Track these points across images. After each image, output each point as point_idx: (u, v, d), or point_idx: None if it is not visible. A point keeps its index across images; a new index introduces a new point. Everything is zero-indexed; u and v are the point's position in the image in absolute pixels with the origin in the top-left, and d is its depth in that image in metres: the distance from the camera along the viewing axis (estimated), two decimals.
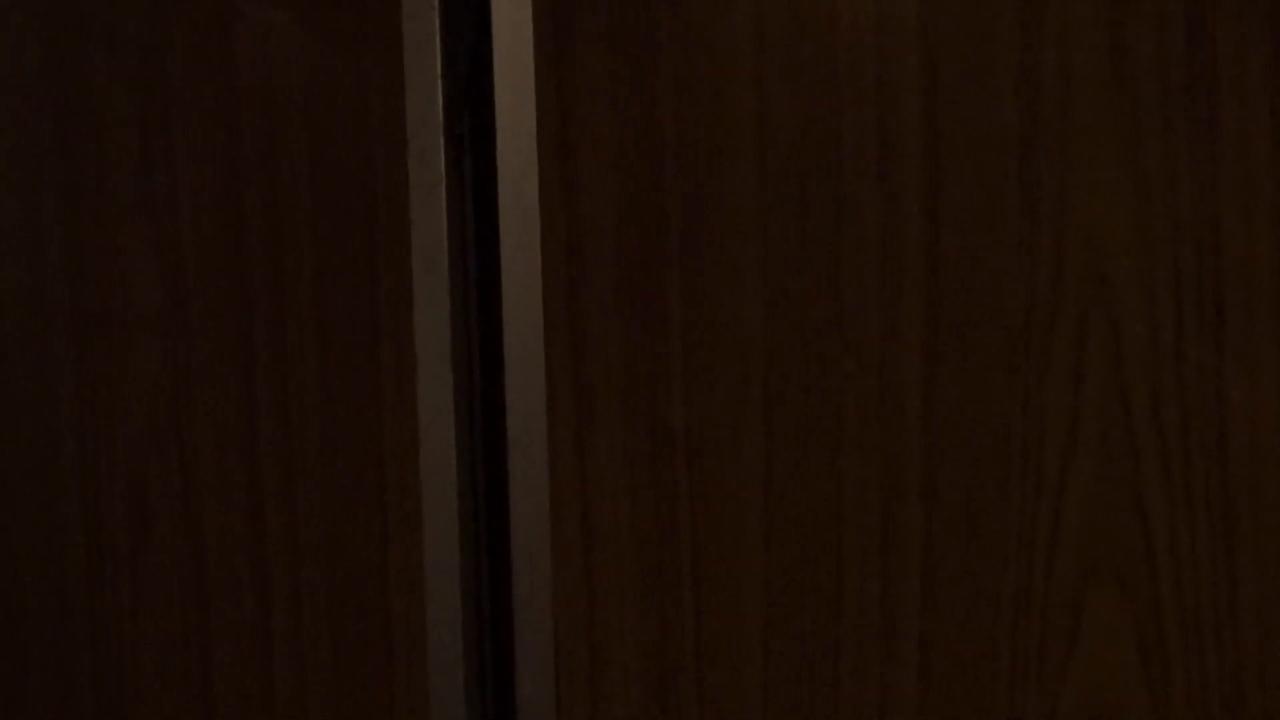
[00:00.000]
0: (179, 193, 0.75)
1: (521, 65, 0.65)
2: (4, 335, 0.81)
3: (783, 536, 0.66)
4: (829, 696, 0.66)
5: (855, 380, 0.64)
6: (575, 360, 0.67)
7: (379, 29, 0.69)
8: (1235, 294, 0.60)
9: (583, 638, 0.68)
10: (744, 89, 0.64)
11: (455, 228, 0.67)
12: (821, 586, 0.66)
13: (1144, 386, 0.61)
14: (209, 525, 0.76)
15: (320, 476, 0.73)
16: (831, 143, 0.64)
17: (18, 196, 0.80)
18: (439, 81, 0.66)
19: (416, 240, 0.67)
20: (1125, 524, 0.62)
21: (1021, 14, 0.61)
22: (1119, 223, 0.61)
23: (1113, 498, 0.62)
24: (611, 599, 0.68)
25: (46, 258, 0.79)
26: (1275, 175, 0.59)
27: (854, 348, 0.64)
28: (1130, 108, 0.60)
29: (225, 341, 0.75)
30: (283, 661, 0.75)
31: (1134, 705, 0.62)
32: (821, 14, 0.64)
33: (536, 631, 0.68)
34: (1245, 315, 0.60)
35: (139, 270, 0.77)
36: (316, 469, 0.73)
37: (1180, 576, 0.61)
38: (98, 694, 0.80)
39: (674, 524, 0.67)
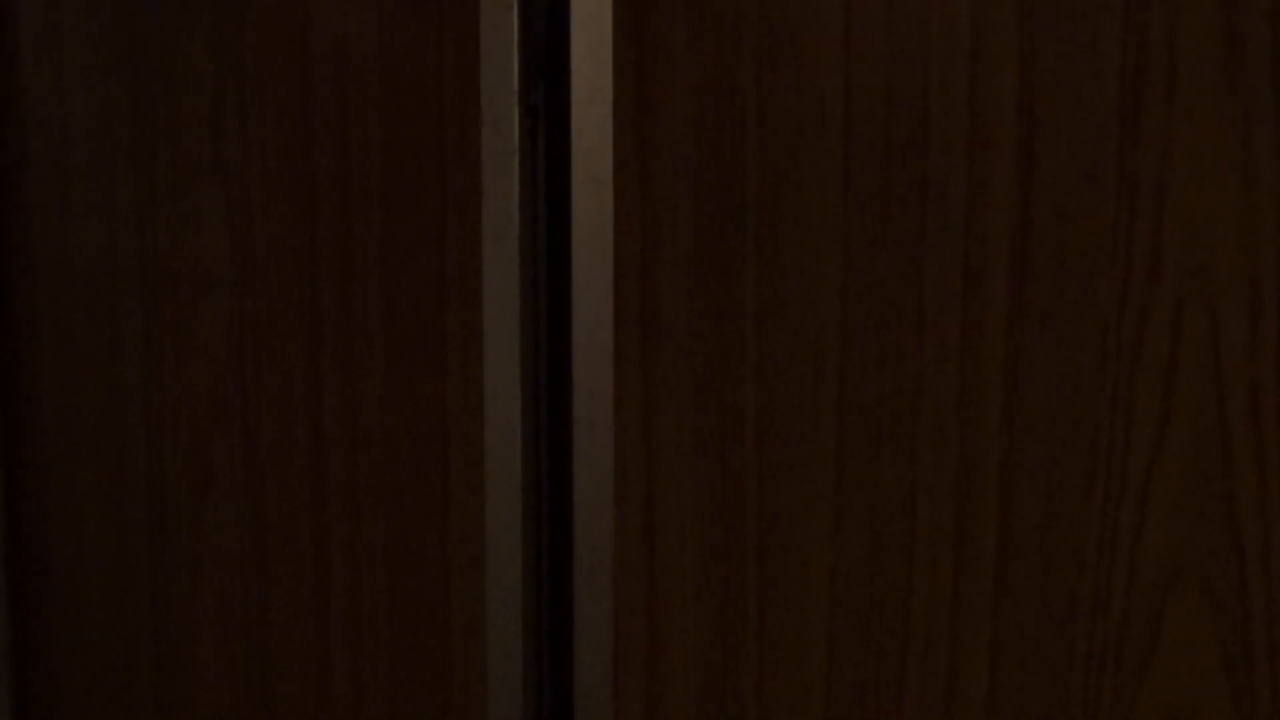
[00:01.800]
0: (250, 155, 0.73)
1: (599, 35, 0.62)
2: (75, 292, 0.79)
3: (852, 526, 0.62)
4: (893, 693, 0.62)
5: (934, 368, 0.60)
6: (645, 338, 0.64)
7: None
8: None
9: (642, 620, 0.65)
10: (830, 63, 0.60)
11: (527, 199, 0.64)
12: (890, 579, 0.62)
13: (1241, 385, 0.57)
14: (270, 486, 0.74)
15: (383, 445, 0.71)
16: (919, 121, 0.59)
17: (90, 155, 0.78)
18: (515, 49, 0.63)
19: (487, 210, 0.64)
20: (1214, 528, 0.57)
21: None
22: (1221, 213, 0.56)
23: (1202, 500, 0.57)
24: (673, 582, 0.65)
25: (117, 216, 0.77)
26: None
27: (934, 334, 0.60)
28: (1239, 93, 0.55)
29: (292, 305, 0.72)
30: (339, 628, 0.73)
31: (1217, 713, 0.58)
32: None
33: (596, 611, 0.65)
34: None
35: (208, 231, 0.75)
36: (379, 437, 0.71)
37: (1271, 586, 0.57)
38: (157, 648, 0.79)
39: (740, 508, 0.64)
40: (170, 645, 0.78)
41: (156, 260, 0.76)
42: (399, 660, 0.72)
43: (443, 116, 0.67)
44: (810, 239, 0.61)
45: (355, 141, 0.70)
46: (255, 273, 0.73)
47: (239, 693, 0.77)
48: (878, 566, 0.62)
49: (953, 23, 0.59)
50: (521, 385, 0.65)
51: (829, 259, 0.61)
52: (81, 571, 0.81)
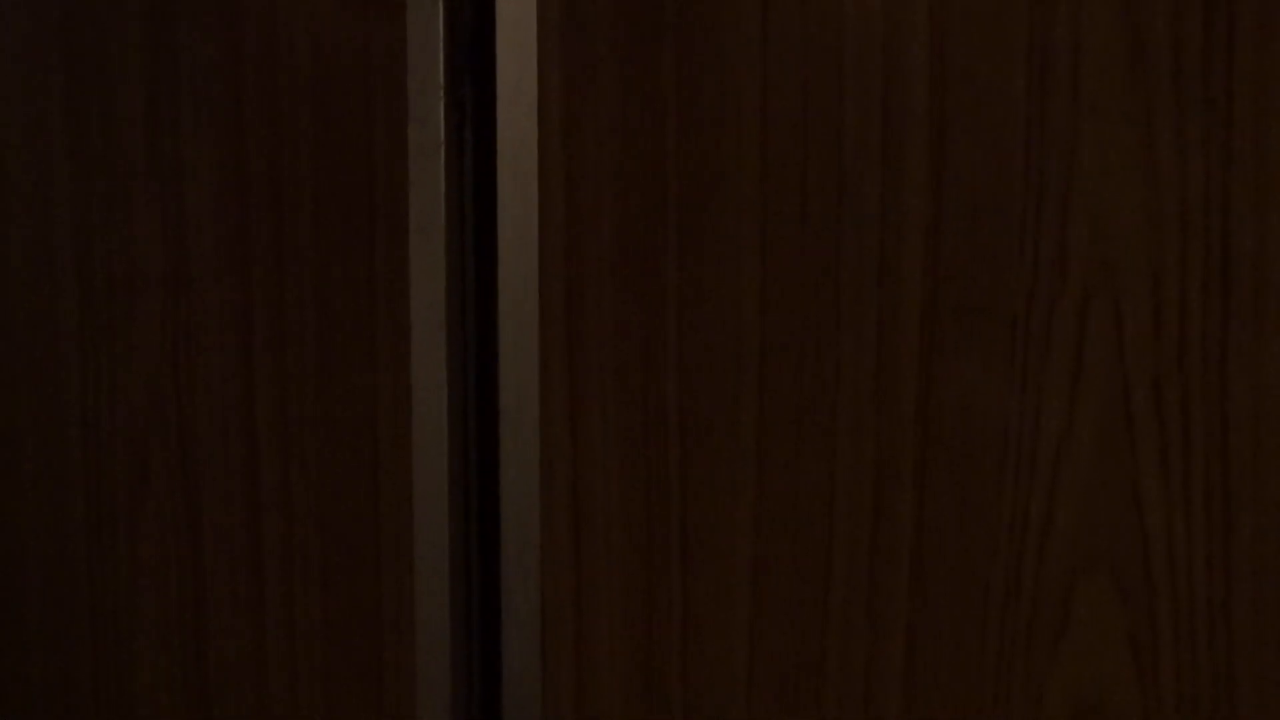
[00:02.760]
0: (183, 155, 0.72)
1: (525, 33, 0.62)
2: (11, 296, 0.78)
3: (773, 517, 0.63)
4: (814, 679, 0.63)
5: (851, 361, 0.61)
6: (570, 333, 0.64)
7: None
8: (1242, 285, 0.56)
9: (570, 611, 0.65)
10: (748, 62, 0.61)
11: (454, 195, 0.64)
12: (810, 569, 0.62)
13: (1145, 377, 0.57)
14: (205, 486, 0.74)
15: (314, 442, 0.70)
16: (834, 119, 0.60)
17: (27, 158, 0.77)
18: (441, 46, 0.63)
19: (414, 206, 0.64)
20: (1120, 516, 0.58)
21: None
22: (1126, 208, 0.57)
23: (1109, 489, 0.58)
24: (599, 574, 0.65)
25: (54, 220, 0.77)
26: None
27: (851, 329, 0.61)
28: (1142, 89, 0.56)
29: (225, 304, 0.72)
30: (275, 624, 0.73)
31: (1122, 698, 0.59)
32: None
33: (524, 603, 0.65)
34: (1251, 307, 0.56)
35: (144, 233, 0.74)
36: (311, 434, 0.70)
37: (1175, 571, 0.58)
38: (95, 649, 0.78)
39: (664, 501, 0.64)
40: (108, 645, 0.78)
41: (92, 262, 0.76)
42: (332, 652, 0.72)
43: (371, 113, 0.67)
44: (730, 234, 0.62)
45: (286, 139, 0.69)
46: (189, 273, 0.73)
47: (177, 693, 0.76)
48: (798, 555, 0.62)
49: (867, 23, 0.59)
50: (449, 379, 0.65)
51: (748, 253, 0.62)
52: (20, 573, 0.80)
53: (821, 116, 0.60)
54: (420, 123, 0.63)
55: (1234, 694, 0.58)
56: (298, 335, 0.70)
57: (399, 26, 0.64)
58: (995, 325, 0.59)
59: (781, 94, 0.60)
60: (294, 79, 0.69)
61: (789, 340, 0.62)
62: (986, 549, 0.60)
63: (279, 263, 0.70)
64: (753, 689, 0.64)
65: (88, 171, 0.75)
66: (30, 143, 0.77)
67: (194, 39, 0.71)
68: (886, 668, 0.62)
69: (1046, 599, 0.59)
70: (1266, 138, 0.55)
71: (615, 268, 0.63)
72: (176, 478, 0.74)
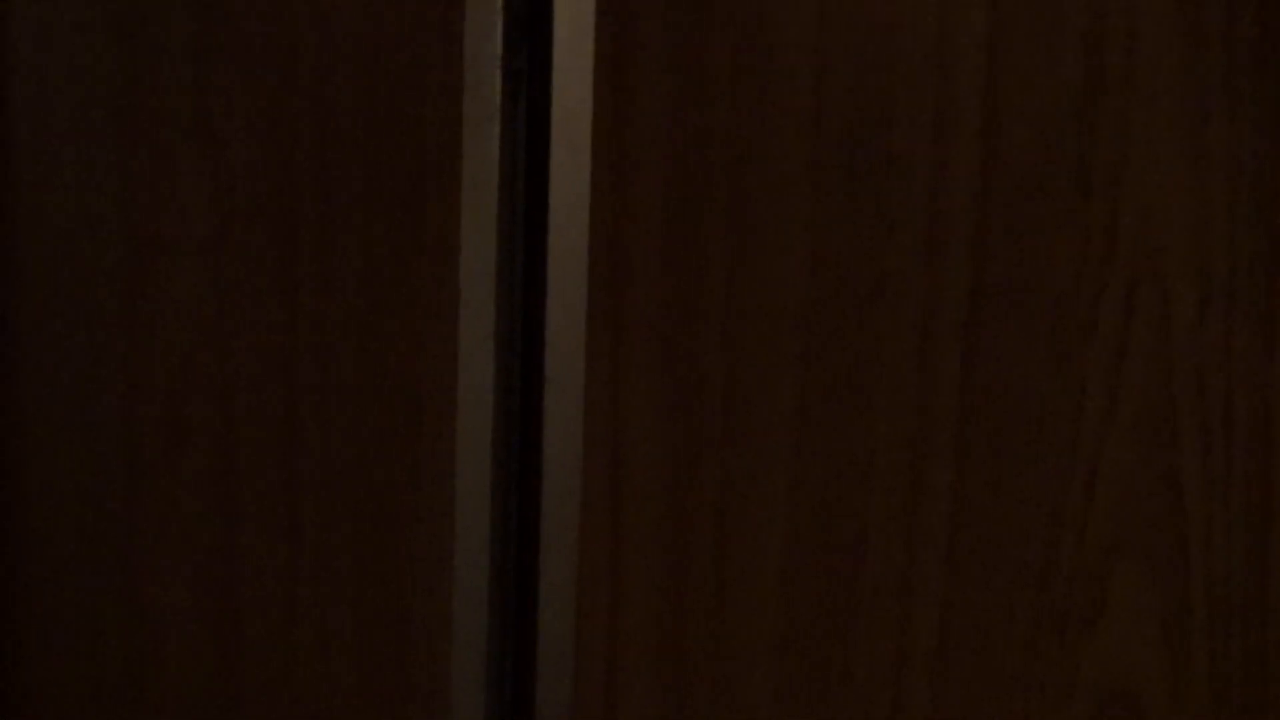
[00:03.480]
0: (231, 119, 0.73)
1: (581, 3, 0.62)
2: (56, 254, 0.79)
3: (808, 490, 0.63)
4: (844, 652, 0.63)
5: (893, 338, 0.61)
6: (617, 301, 0.64)
7: None
8: None
9: (605, 575, 0.66)
10: (802, 37, 0.61)
11: (506, 163, 0.64)
12: (844, 543, 0.62)
13: (1189, 363, 0.57)
14: (243, 445, 0.74)
15: (356, 402, 0.71)
16: (886, 100, 0.60)
17: (72, 119, 0.78)
18: (498, 13, 0.63)
19: (467, 174, 0.64)
20: (1159, 500, 0.58)
21: None
22: (1175, 195, 0.57)
23: (1148, 473, 0.58)
24: (636, 540, 0.65)
25: (98, 181, 0.77)
26: None
27: (894, 306, 0.61)
28: (1196, 78, 0.56)
29: (269, 266, 0.72)
30: (308, 585, 0.73)
31: (1154, 682, 0.59)
32: None
33: (560, 566, 0.65)
34: None
35: (188, 195, 0.75)
36: (353, 394, 0.71)
37: (1210, 557, 0.58)
38: (127, 604, 0.79)
39: (702, 470, 0.64)
40: (140, 604, 0.78)
41: (137, 220, 0.76)
42: (365, 615, 0.72)
43: (424, 80, 0.67)
44: (778, 209, 0.62)
45: (335, 104, 0.70)
46: (233, 235, 0.73)
47: (207, 652, 0.77)
48: (832, 530, 0.62)
49: (921, 6, 0.59)
50: (495, 346, 0.65)
51: (796, 229, 0.62)
52: (55, 527, 0.81)
53: (873, 98, 0.60)
54: (474, 91, 0.63)
55: (1266, 680, 0.57)
56: (342, 300, 0.71)
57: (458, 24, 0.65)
58: (1040, 306, 0.58)
59: (834, 73, 0.60)
60: (345, 44, 0.69)
61: (832, 316, 0.62)
62: (1023, 529, 0.60)
63: (326, 229, 0.70)
64: (783, 661, 0.64)
65: (133, 131, 0.76)
66: (75, 104, 0.77)
67: (243, 3, 0.72)
68: (918, 645, 0.62)
69: (1082, 581, 0.59)
70: None
71: (663, 239, 0.63)
72: (215, 437, 0.75)
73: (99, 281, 0.78)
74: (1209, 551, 0.58)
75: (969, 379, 0.60)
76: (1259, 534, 0.57)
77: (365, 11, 0.68)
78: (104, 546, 0.79)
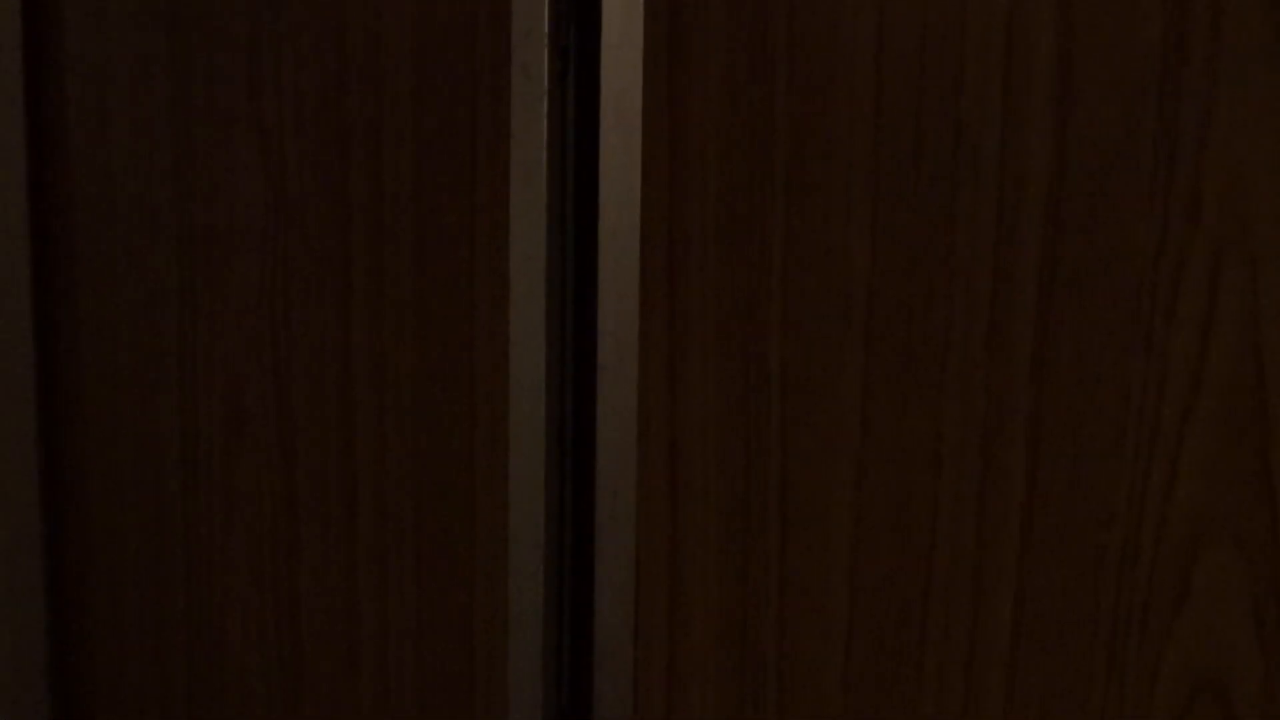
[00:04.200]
0: (284, 105, 0.71)
1: None
2: (113, 245, 0.78)
3: (876, 476, 0.60)
4: (915, 644, 0.60)
5: (963, 318, 0.58)
6: (671, 286, 0.62)
7: None
8: None
9: (663, 566, 0.64)
10: (863, 6, 0.58)
11: (556, 143, 0.62)
12: (914, 530, 0.60)
13: (1278, 339, 0.54)
14: (301, 435, 0.73)
15: (411, 390, 0.69)
16: (954, 65, 0.57)
17: (129, 109, 0.76)
18: None
19: (516, 155, 0.62)
20: (1248, 484, 0.55)
21: None
22: (1264, 163, 0.53)
23: (1235, 455, 0.55)
24: (695, 529, 0.63)
25: (155, 170, 0.76)
26: None
27: (964, 284, 0.58)
28: None
29: (324, 252, 0.71)
30: (368, 572, 0.72)
31: (1244, 669, 0.56)
32: None
33: (617, 558, 0.63)
34: None
35: (243, 183, 0.73)
36: (407, 382, 0.69)
37: None
38: (189, 590, 0.78)
39: (763, 457, 0.62)
40: (202, 593, 0.77)
41: (193, 210, 0.75)
42: (424, 602, 0.71)
43: (474, 60, 0.65)
44: (840, 185, 0.59)
45: (387, 87, 0.68)
46: (289, 222, 0.72)
47: (269, 641, 0.76)
48: (901, 517, 0.60)
49: None
50: (547, 330, 0.63)
51: (858, 206, 0.59)
52: (117, 514, 0.80)
53: (939, 64, 0.57)
54: (523, 70, 0.61)
55: None
56: (396, 284, 0.69)
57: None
58: (1119, 284, 0.55)
59: (896, 40, 0.57)
60: (396, 28, 0.67)
61: (898, 295, 0.59)
62: (1103, 515, 0.57)
63: (378, 213, 0.69)
64: (851, 654, 0.61)
65: (188, 121, 0.74)
66: (132, 95, 0.76)
67: None
68: (991, 635, 0.59)
69: (1166, 568, 0.56)
70: None
71: (719, 220, 0.61)
72: (271, 422, 0.74)
73: (155, 276, 0.77)
74: None
75: (1043, 360, 0.57)
76: None
77: None
78: (164, 542, 0.78)
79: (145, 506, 0.79)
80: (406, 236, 0.68)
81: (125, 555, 0.80)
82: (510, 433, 0.65)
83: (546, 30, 0.61)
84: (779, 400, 0.61)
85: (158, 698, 0.80)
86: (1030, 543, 0.58)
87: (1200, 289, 0.54)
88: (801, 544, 0.62)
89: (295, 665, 0.75)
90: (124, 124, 0.76)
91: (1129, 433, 0.56)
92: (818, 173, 0.59)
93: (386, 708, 0.72)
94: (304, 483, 0.73)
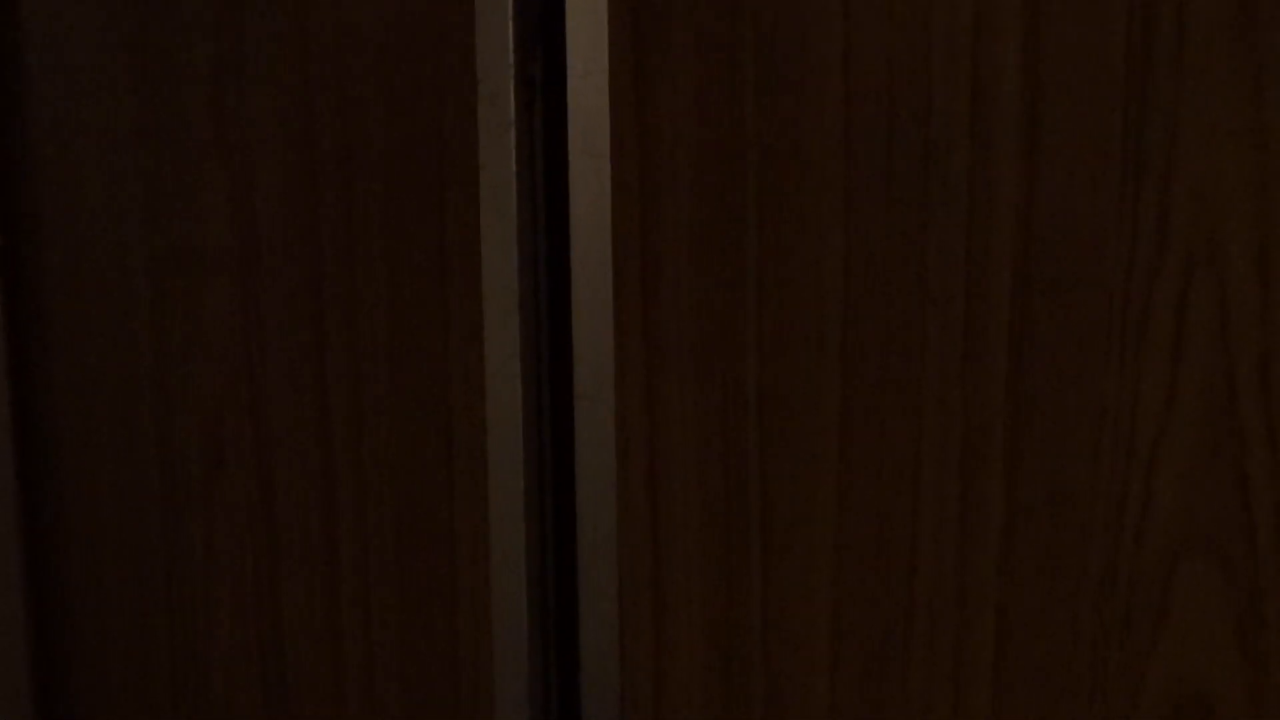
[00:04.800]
0: (251, 134, 0.70)
1: (595, 5, 0.59)
2: (83, 274, 0.77)
3: (857, 498, 0.60)
4: (900, 665, 0.60)
5: (938, 337, 0.58)
6: (646, 311, 0.61)
7: None
8: None
9: (647, 593, 0.63)
10: (830, 25, 0.57)
11: (525, 172, 0.61)
12: (895, 551, 0.59)
13: (1251, 352, 0.54)
14: (279, 464, 0.72)
15: (388, 420, 0.68)
16: (921, 87, 0.56)
17: (96, 137, 0.76)
18: (510, 20, 0.60)
19: (485, 184, 0.62)
20: (1224, 498, 0.55)
21: None
22: (1232, 177, 0.53)
23: (1211, 470, 0.54)
24: (678, 556, 0.63)
25: (124, 199, 0.75)
26: None
27: (938, 304, 0.57)
28: (1251, 50, 0.52)
29: (296, 283, 0.70)
30: (351, 605, 0.71)
31: (1228, 685, 0.55)
32: None
33: (601, 586, 0.62)
34: None
35: (213, 211, 0.72)
36: (384, 413, 0.69)
37: None
38: (172, 626, 0.78)
39: (744, 482, 0.61)
40: (185, 627, 0.77)
41: (163, 241, 0.74)
42: (407, 631, 0.70)
43: (441, 90, 0.64)
44: (812, 208, 0.59)
45: (354, 117, 0.67)
46: (260, 252, 0.71)
47: (253, 673, 0.75)
48: (882, 537, 0.60)
49: None
50: (522, 360, 0.62)
51: (831, 228, 0.58)
52: (96, 550, 0.80)
53: (907, 86, 0.57)
54: (490, 100, 0.61)
55: None
56: (369, 315, 0.68)
57: (467, 2, 0.62)
58: (1091, 300, 0.55)
59: (865, 64, 0.57)
60: (362, 56, 0.66)
61: (873, 316, 0.58)
62: (1081, 531, 0.56)
63: (350, 243, 0.68)
64: (836, 673, 0.61)
65: (156, 150, 0.74)
66: (99, 124, 0.75)
67: (262, 16, 0.69)
68: (975, 653, 0.59)
69: (1145, 583, 0.56)
70: None
71: (692, 244, 0.60)
72: (250, 458, 0.73)
73: (129, 303, 0.76)
74: (1279, 545, 0.54)
75: (1018, 377, 0.57)
76: None
77: (381, 23, 0.66)
78: (146, 572, 0.78)
79: (125, 545, 0.78)
80: (379, 267, 0.67)
81: (105, 596, 0.79)
82: (489, 462, 0.64)
83: (512, 60, 0.60)
84: (757, 423, 0.61)
85: None
86: (1011, 561, 0.58)
87: (1171, 303, 0.54)
88: (784, 566, 0.61)
89: (280, 698, 0.74)
90: (90, 152, 0.76)
91: (1105, 449, 0.56)
92: (790, 195, 0.59)
93: None
94: (284, 517, 0.73)
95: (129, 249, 0.75)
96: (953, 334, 0.57)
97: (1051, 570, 0.57)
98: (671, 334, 0.61)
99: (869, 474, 0.59)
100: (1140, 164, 0.54)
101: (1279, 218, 0.52)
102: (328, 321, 0.69)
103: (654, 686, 0.64)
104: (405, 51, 0.65)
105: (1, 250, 0.79)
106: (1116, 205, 0.54)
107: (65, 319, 0.78)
